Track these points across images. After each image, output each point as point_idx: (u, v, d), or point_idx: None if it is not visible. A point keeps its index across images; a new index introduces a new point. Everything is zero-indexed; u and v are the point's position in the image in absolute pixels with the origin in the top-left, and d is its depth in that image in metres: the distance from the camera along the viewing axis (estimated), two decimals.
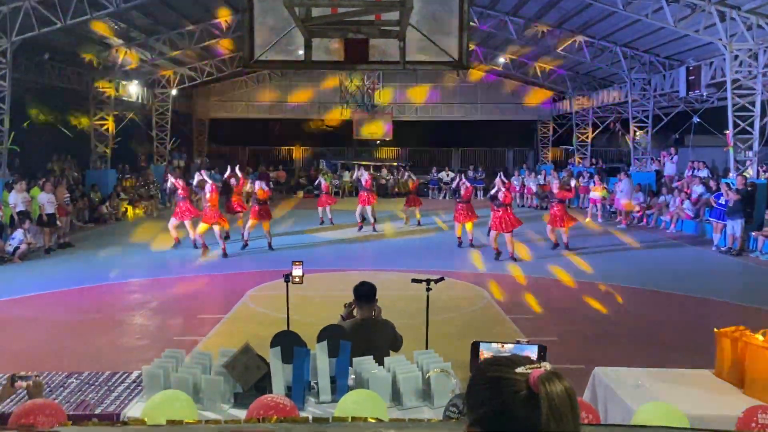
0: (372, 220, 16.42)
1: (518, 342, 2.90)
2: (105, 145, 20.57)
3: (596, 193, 19.52)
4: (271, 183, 15.25)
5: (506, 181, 13.14)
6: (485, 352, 2.92)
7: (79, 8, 13.95)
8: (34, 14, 13.85)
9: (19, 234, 12.75)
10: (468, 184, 14.17)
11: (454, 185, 14.62)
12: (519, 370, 1.22)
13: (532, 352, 2.86)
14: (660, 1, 13.70)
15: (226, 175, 15.49)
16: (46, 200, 13.54)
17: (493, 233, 12.62)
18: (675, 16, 13.85)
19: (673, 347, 7.21)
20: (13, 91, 14.51)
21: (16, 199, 13.45)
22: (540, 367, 1.21)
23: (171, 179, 14.06)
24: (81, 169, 20.77)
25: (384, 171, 28.30)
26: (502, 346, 2.96)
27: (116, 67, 20.11)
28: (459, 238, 14.10)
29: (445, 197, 26.16)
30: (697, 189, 17.00)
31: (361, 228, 16.20)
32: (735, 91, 14.23)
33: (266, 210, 13.72)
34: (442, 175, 27.55)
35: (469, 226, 13.73)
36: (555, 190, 13.87)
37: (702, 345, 6.40)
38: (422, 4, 5.42)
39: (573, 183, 18.88)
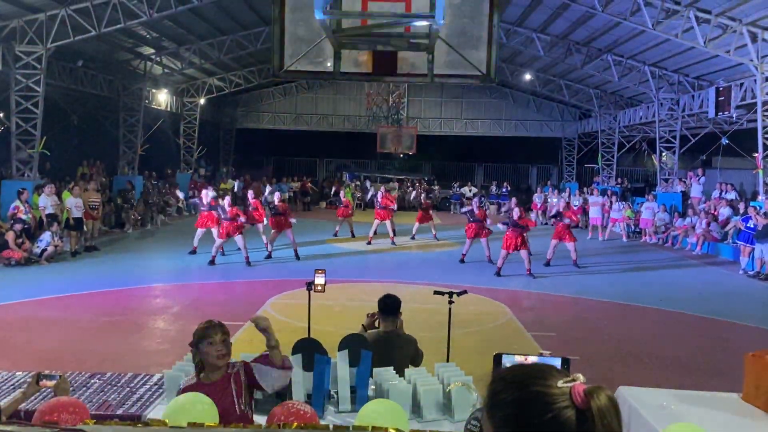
0: (391, 234, 16.47)
1: (541, 354, 2.83)
2: (133, 151, 20.89)
3: (618, 212, 19.44)
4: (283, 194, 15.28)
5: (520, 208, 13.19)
6: (508, 364, 2.86)
7: (113, 17, 14.26)
8: (70, 22, 14.19)
9: (47, 236, 12.97)
10: (476, 208, 14.20)
11: (465, 209, 14.60)
12: (560, 384, 1.17)
13: (557, 366, 2.79)
14: (690, 20, 13.60)
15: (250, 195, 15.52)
16: (73, 204, 13.77)
17: (504, 252, 12.55)
18: (705, 36, 13.73)
19: (698, 370, 7.07)
20: (46, 96, 14.85)
21: (46, 202, 13.72)
22: (575, 380, 1.18)
23: (206, 197, 14.03)
24: (109, 175, 21.11)
25: (396, 185, 28.21)
26: (526, 359, 2.91)
27: (146, 75, 20.48)
28: (463, 254, 14.11)
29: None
30: (724, 211, 16.74)
31: (369, 243, 16.25)
32: (766, 113, 14.02)
33: (284, 220, 13.84)
34: (465, 190, 27.48)
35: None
36: (560, 209, 14.15)
37: (728, 369, 6.28)
38: (452, 17, 5.44)
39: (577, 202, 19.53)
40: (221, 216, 13.01)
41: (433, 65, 5.71)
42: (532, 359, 2.87)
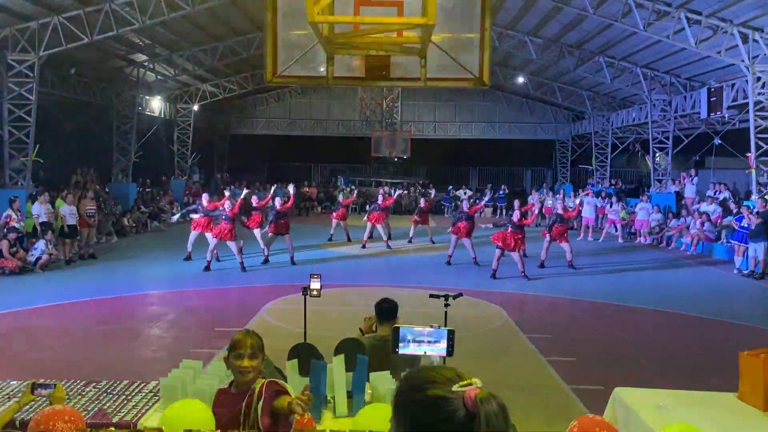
0: (385, 238, 16.47)
1: (432, 326, 3.31)
2: (127, 158, 20.83)
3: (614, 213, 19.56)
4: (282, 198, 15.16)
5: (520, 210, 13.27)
6: (408, 336, 3.24)
7: (105, 24, 14.24)
8: (62, 30, 14.16)
9: (41, 245, 12.92)
10: (465, 207, 14.27)
11: (465, 206, 14.54)
12: (455, 388, 1.29)
13: (443, 336, 3.29)
14: (681, 22, 13.67)
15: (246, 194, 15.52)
16: (67, 212, 13.72)
17: (497, 252, 12.59)
18: (696, 37, 13.79)
19: (694, 370, 7.08)
20: (38, 104, 14.81)
21: (40, 210, 13.68)
22: (472, 385, 1.29)
23: (205, 200, 14.01)
24: (102, 182, 21.05)
25: (385, 188, 28.12)
26: (424, 330, 3.32)
27: (140, 82, 20.46)
28: (450, 256, 14.17)
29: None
30: (710, 208, 16.85)
31: (364, 246, 16.26)
32: (758, 113, 14.09)
33: (285, 224, 13.83)
34: (460, 192, 27.48)
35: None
36: (560, 211, 14.14)
37: (723, 368, 6.28)
38: (444, 21, 5.45)
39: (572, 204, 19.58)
40: (222, 216, 12.99)
41: (426, 69, 5.72)
42: (428, 330, 3.27)
